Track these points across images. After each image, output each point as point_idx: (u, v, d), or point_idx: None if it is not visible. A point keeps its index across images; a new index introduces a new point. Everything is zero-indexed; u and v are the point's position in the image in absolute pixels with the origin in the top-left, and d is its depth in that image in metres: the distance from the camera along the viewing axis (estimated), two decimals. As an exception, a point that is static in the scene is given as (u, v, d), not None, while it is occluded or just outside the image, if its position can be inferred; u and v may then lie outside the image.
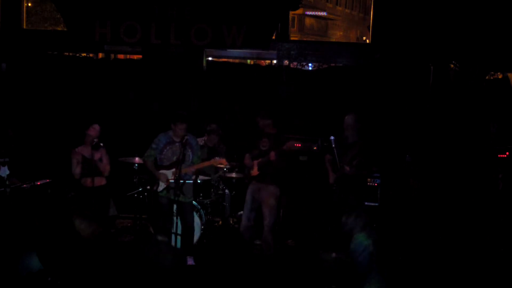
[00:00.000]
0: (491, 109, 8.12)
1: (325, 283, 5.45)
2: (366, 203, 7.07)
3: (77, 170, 6.75)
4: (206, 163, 6.55)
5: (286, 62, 8.79)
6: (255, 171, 6.76)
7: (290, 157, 7.03)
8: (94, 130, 6.74)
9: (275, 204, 6.74)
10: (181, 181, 6.21)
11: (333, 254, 6.75)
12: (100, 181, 6.81)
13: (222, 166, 7.23)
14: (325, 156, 6.95)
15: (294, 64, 9.01)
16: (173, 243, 6.14)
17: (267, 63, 9.89)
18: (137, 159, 7.26)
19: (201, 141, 7.44)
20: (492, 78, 9.14)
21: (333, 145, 6.36)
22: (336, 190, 6.62)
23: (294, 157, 7.64)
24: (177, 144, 6.41)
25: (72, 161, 6.74)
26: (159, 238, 4.42)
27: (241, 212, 7.09)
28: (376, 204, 7.25)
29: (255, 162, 6.78)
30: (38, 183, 6.95)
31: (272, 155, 6.51)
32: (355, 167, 6.41)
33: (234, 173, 7.62)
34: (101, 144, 6.65)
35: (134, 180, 7.41)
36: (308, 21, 27.22)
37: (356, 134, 6.62)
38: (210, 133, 7.56)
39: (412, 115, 8.33)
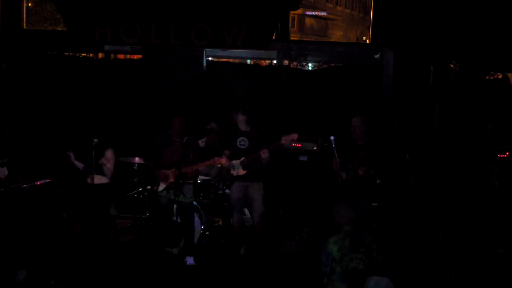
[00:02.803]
0: (491, 109, 8.11)
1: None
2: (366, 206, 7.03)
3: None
4: (206, 163, 6.55)
5: (286, 62, 8.79)
6: (241, 171, 6.66)
7: (284, 154, 6.99)
8: None
9: (263, 200, 6.72)
10: (181, 181, 6.22)
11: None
12: (99, 180, 6.79)
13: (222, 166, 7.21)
14: (333, 158, 6.87)
15: (294, 64, 9.00)
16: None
17: (267, 63, 9.88)
18: (137, 159, 7.26)
19: (201, 143, 7.43)
20: (492, 78, 9.13)
21: (333, 145, 6.33)
22: (346, 194, 6.55)
23: (294, 157, 7.63)
24: (177, 144, 6.42)
25: None
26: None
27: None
28: (376, 204, 7.25)
29: (236, 161, 6.66)
30: (38, 183, 6.96)
31: (264, 152, 6.44)
32: (366, 171, 6.34)
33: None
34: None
35: (134, 180, 7.41)
36: (308, 21, 27.20)
37: (365, 136, 6.55)
38: (210, 132, 7.55)
39: (412, 115, 8.33)
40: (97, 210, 6.66)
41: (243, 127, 6.69)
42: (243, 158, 6.60)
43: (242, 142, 6.67)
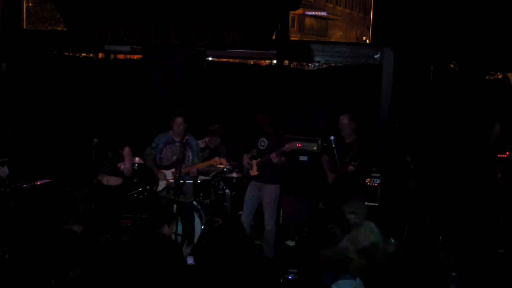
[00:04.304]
0: (491, 109, 8.11)
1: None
2: (365, 202, 7.07)
3: None
4: (206, 163, 6.57)
5: (286, 62, 8.79)
6: (254, 171, 6.74)
7: (292, 157, 7.04)
8: None
9: (275, 203, 6.75)
10: (181, 181, 6.22)
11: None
12: (113, 181, 6.74)
13: (222, 166, 7.23)
14: (321, 157, 6.98)
15: (294, 64, 9.00)
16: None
17: (267, 63, 9.88)
18: (137, 159, 7.26)
19: (202, 143, 7.43)
20: (492, 78, 9.13)
21: (333, 145, 6.37)
22: (336, 190, 6.63)
23: (294, 157, 7.64)
24: (177, 144, 6.43)
25: None
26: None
27: (241, 212, 7.09)
28: (376, 204, 7.26)
29: (254, 161, 6.77)
30: (38, 183, 6.96)
31: (273, 157, 6.50)
32: (357, 167, 6.41)
33: (234, 173, 7.62)
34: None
35: (134, 180, 7.41)
36: (308, 21, 27.27)
37: (353, 134, 6.64)
38: (213, 134, 7.55)
39: (412, 115, 8.33)
40: (111, 211, 6.65)
41: (267, 128, 6.77)
42: (259, 159, 6.67)
43: (262, 143, 6.77)
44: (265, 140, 6.77)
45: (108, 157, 6.55)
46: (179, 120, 6.35)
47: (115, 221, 6.93)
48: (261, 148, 6.77)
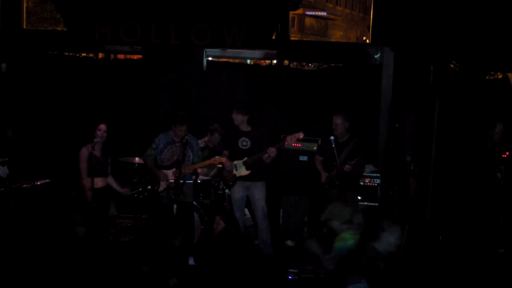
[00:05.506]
0: (491, 109, 8.12)
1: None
2: (366, 202, 7.10)
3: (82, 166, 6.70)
4: (206, 162, 6.57)
5: (286, 62, 8.79)
6: (243, 171, 6.67)
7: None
8: (99, 130, 6.70)
9: (264, 200, 6.74)
10: (181, 181, 6.22)
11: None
12: (102, 182, 6.75)
13: (221, 165, 7.22)
14: (315, 157, 6.99)
15: (294, 64, 8.99)
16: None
17: (267, 63, 9.87)
18: (137, 159, 7.27)
19: (201, 142, 7.43)
20: (492, 78, 9.13)
21: (333, 145, 6.37)
22: (330, 189, 6.64)
23: (294, 157, 7.65)
24: (177, 144, 6.43)
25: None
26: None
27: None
28: (376, 204, 7.26)
29: (237, 162, 6.67)
30: (38, 183, 6.96)
31: (272, 151, 6.46)
32: (353, 166, 6.44)
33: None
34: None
35: (134, 180, 7.41)
36: (308, 21, 27.25)
37: (346, 133, 6.66)
38: (213, 133, 7.54)
39: (412, 115, 8.32)
40: (101, 212, 6.65)
41: (244, 127, 6.72)
42: (246, 158, 6.62)
43: (244, 143, 6.69)
44: (247, 140, 6.70)
45: (93, 159, 6.55)
46: (183, 128, 6.35)
47: (110, 222, 6.94)
48: (244, 148, 6.69)
